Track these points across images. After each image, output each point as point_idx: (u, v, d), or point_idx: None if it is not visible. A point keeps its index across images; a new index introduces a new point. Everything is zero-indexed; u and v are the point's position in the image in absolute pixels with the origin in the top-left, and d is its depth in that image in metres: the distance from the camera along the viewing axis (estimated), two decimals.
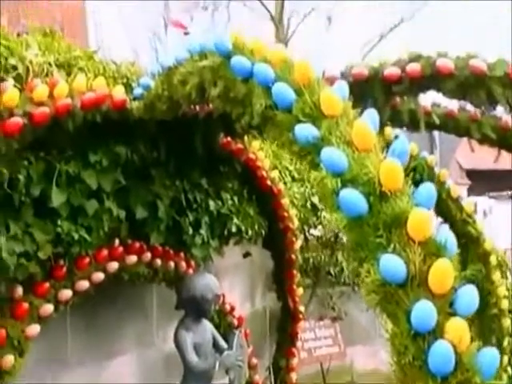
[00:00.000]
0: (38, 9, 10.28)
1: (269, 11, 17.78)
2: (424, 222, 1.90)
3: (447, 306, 1.76)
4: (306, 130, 2.25)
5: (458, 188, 5.16)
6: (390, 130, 4.21)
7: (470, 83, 3.21)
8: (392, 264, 1.82)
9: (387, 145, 2.17)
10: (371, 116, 2.26)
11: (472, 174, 21.17)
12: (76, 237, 3.56)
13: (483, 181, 19.10)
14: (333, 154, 2.12)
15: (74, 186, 3.56)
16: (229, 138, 4.41)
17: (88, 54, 4.28)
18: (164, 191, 4.14)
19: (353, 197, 2.03)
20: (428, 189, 2.08)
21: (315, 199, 6.20)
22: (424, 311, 1.72)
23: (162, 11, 19.36)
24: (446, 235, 1.91)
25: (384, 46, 18.71)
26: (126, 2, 20.21)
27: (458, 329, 1.69)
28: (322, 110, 2.27)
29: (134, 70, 4.52)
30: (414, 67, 3.32)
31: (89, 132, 3.61)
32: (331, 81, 3.68)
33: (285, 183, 5.82)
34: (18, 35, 4.20)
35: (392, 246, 1.87)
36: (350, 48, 19.03)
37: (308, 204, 6.23)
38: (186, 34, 3.87)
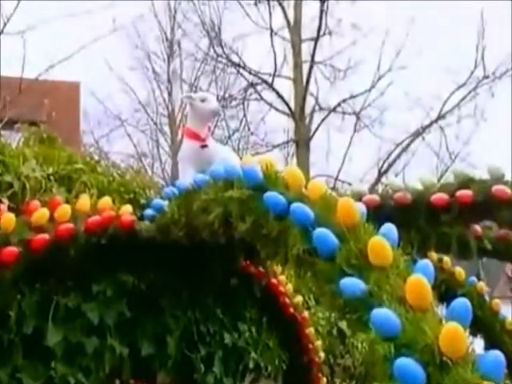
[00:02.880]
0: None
1: (288, 106, 18.32)
2: None
3: None
4: (351, 284, 2.29)
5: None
6: (434, 257, 4.26)
7: None
8: None
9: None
10: (425, 268, 2.30)
11: None
12: (72, 381, 3.54)
13: None
14: (384, 315, 2.15)
15: (72, 321, 3.58)
16: (248, 261, 4.46)
17: (91, 166, 4.41)
18: (174, 323, 4.15)
19: (410, 367, 2.03)
20: (496, 356, 2.09)
21: (343, 325, 6.17)
22: None
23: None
24: None
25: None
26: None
27: None
28: (369, 260, 2.31)
29: (141, 181, 4.66)
30: (465, 193, 3.40)
31: (92, 258, 3.66)
32: (360, 198, 3.82)
33: (308, 308, 5.81)
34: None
35: None
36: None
37: (334, 330, 6.19)
38: (203, 146, 3.99)
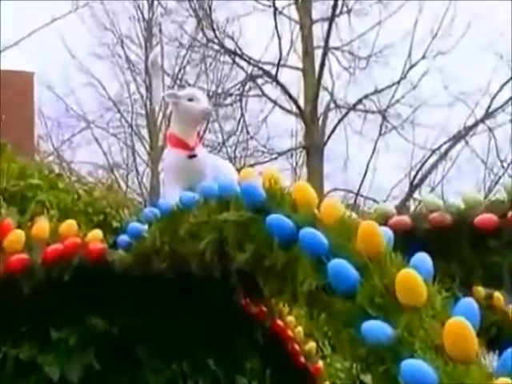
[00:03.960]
0: None
1: (297, 103, 18.24)
2: None
3: None
4: (376, 328, 2.30)
5: None
6: (482, 293, 4.27)
7: None
8: None
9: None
10: (469, 308, 2.32)
11: None
12: None
13: None
14: (416, 367, 2.16)
15: (26, 377, 3.58)
16: (248, 299, 4.48)
17: (49, 181, 4.44)
18: (154, 378, 4.15)
19: None
20: None
21: (366, 378, 6.16)
22: None
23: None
24: None
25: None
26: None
27: None
28: (398, 299, 2.33)
29: (113, 199, 4.69)
30: None
31: (51, 297, 3.69)
32: (386, 220, 3.83)
33: (324, 357, 5.82)
34: None
35: None
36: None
37: None
38: (191, 157, 4.02)
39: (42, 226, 3.73)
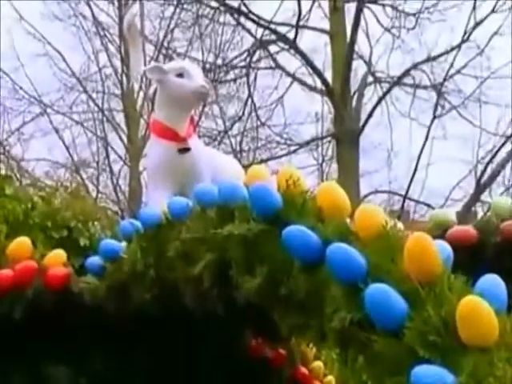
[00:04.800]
0: None
1: (322, 77, 17.96)
2: None
3: None
4: (431, 375, 2.31)
5: None
6: None
7: None
8: None
9: None
10: None
11: None
12: None
13: None
14: None
15: None
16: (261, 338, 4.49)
17: None
18: None
19: None
20: None
21: None
22: None
23: None
24: None
25: None
26: None
27: None
28: (460, 337, 2.34)
29: (80, 208, 4.70)
30: None
31: None
32: (444, 231, 3.82)
33: None
34: None
35: None
36: None
37: None
38: (182, 150, 4.05)
39: None
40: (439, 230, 3.63)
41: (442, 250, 2.62)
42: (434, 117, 18.89)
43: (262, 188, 2.94)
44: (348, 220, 2.80)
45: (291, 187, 2.91)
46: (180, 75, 4.11)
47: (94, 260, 3.79)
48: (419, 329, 2.40)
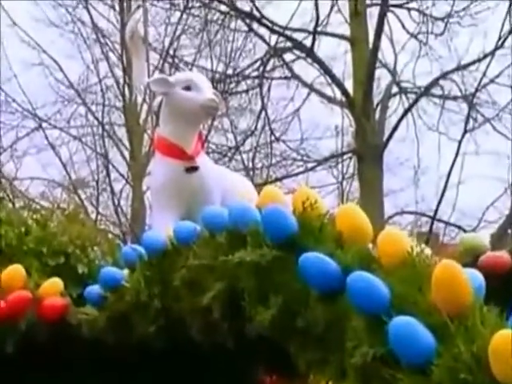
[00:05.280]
0: None
1: (342, 87, 17.90)
2: None
3: None
4: None
5: None
6: None
7: None
8: None
9: None
10: None
11: None
12: None
13: None
14: None
15: None
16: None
17: None
18: None
19: None
20: None
21: None
22: None
23: None
24: None
25: None
26: None
27: None
28: (493, 375, 2.33)
29: (79, 232, 4.72)
30: None
31: None
32: (476, 257, 3.81)
33: None
34: None
35: None
36: None
37: None
38: (190, 170, 4.06)
39: None
40: (470, 256, 3.62)
41: (473, 278, 2.62)
42: (465, 131, 18.81)
43: (277, 211, 2.95)
44: (370, 245, 2.80)
45: (308, 210, 2.92)
46: (187, 88, 4.12)
47: (94, 289, 3.80)
48: (448, 365, 2.40)
